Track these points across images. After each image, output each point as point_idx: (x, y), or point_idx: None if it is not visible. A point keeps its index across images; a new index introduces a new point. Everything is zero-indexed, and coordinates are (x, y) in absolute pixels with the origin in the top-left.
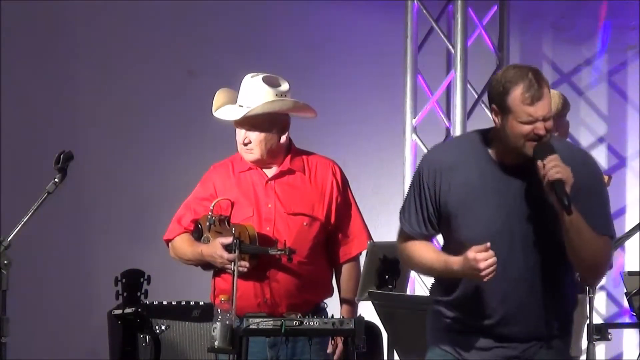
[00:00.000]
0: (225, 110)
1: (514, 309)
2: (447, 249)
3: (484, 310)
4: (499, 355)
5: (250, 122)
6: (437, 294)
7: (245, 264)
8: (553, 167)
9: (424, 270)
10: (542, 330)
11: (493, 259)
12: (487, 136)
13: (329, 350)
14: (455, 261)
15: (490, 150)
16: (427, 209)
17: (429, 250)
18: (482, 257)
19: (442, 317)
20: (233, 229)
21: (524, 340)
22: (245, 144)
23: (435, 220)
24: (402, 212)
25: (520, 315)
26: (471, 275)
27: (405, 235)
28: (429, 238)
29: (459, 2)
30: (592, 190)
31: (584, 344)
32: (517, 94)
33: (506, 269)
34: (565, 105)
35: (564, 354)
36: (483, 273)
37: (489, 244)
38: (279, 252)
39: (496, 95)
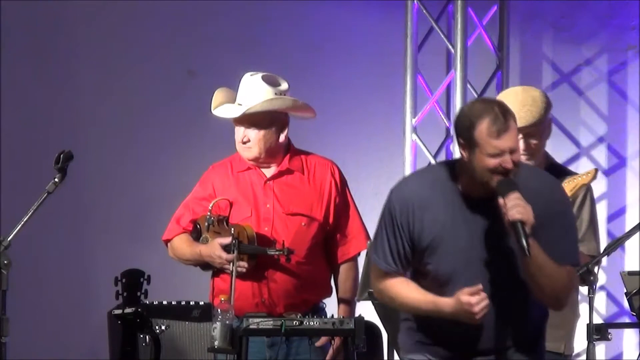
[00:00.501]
0: (224, 109)
1: (481, 329)
2: (417, 281)
3: (452, 330)
4: None
5: (250, 120)
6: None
7: (244, 264)
8: (514, 207)
9: (410, 310)
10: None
11: (486, 301)
12: (454, 169)
13: (319, 343)
14: (446, 303)
15: (457, 184)
16: (403, 246)
17: (412, 290)
18: (475, 300)
19: (413, 332)
20: (232, 229)
21: (489, 353)
22: (244, 142)
23: (410, 256)
24: (375, 250)
25: (486, 336)
26: (464, 317)
27: (381, 274)
28: (404, 274)
29: (459, 2)
30: (557, 220)
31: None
32: (483, 127)
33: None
34: (548, 105)
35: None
36: (477, 316)
37: (481, 286)
38: (277, 253)
39: (463, 130)
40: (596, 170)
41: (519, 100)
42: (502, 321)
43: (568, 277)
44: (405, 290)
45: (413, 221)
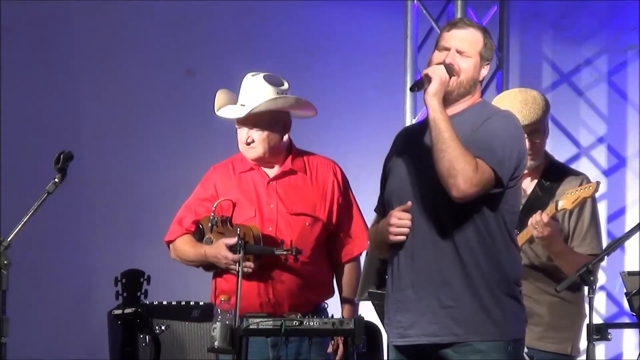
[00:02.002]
0: (227, 110)
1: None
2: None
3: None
4: None
5: (253, 120)
6: None
7: (250, 264)
8: (431, 68)
9: (373, 242)
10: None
11: (407, 222)
12: None
13: (330, 350)
14: (380, 222)
15: None
16: (381, 185)
17: (377, 225)
18: (397, 213)
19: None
20: (238, 229)
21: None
22: (248, 143)
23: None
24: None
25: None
26: (383, 234)
27: (374, 220)
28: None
29: (459, 2)
30: (484, 127)
31: (584, 344)
32: (445, 24)
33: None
34: (548, 105)
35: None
36: (391, 229)
37: (409, 203)
38: (285, 253)
39: None
40: (598, 183)
41: (520, 100)
42: (424, 254)
43: (472, 161)
44: (374, 227)
45: (390, 151)
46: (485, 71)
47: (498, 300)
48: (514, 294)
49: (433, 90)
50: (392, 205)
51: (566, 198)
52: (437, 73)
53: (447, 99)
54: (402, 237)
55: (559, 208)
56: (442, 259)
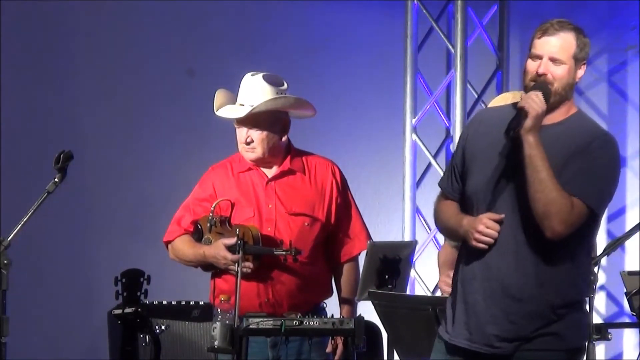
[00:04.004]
0: (227, 110)
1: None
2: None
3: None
4: None
5: (253, 120)
6: None
7: (250, 264)
8: (526, 98)
9: (443, 226)
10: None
11: (494, 233)
12: None
13: (329, 349)
14: (465, 218)
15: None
16: (455, 160)
17: (450, 208)
18: (487, 223)
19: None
20: (237, 229)
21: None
22: (248, 143)
23: (459, 171)
24: (444, 173)
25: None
26: (465, 234)
27: (439, 195)
28: (456, 198)
29: (459, 2)
30: (586, 160)
31: None
32: (535, 30)
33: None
34: None
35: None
36: (476, 235)
37: (503, 216)
38: (284, 253)
39: None
40: None
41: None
42: (512, 265)
43: (568, 203)
44: (445, 207)
45: (467, 133)
46: (581, 72)
47: (563, 317)
48: (581, 307)
49: (529, 126)
50: (474, 204)
51: None
52: (533, 107)
53: (548, 108)
54: (485, 246)
55: None
56: (518, 274)
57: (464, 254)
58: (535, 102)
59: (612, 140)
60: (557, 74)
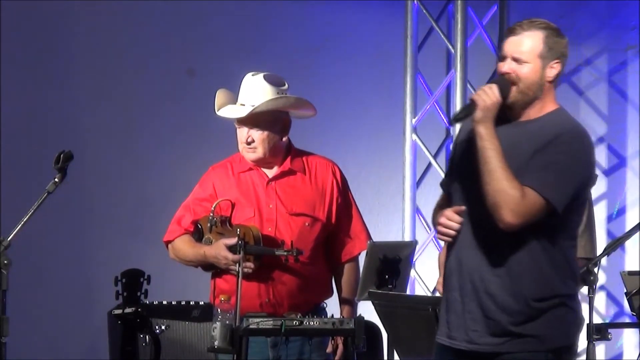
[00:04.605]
0: (228, 110)
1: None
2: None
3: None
4: None
5: (254, 120)
6: None
7: (250, 264)
8: (480, 90)
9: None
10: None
11: (454, 224)
12: None
13: (329, 350)
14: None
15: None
16: (450, 159)
17: (440, 204)
18: (448, 214)
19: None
20: (238, 230)
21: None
22: (249, 143)
23: (451, 170)
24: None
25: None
26: (434, 224)
27: (441, 196)
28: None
29: (459, 2)
30: (547, 153)
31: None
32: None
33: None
34: None
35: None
36: (437, 228)
37: (463, 207)
38: (285, 253)
39: None
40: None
41: None
42: (478, 259)
43: (518, 193)
44: (436, 205)
45: (458, 133)
46: (554, 71)
47: (543, 314)
48: (562, 302)
49: (478, 118)
50: (454, 199)
51: None
52: (483, 99)
53: (515, 109)
54: (447, 239)
55: None
56: (489, 269)
57: (447, 250)
58: (487, 94)
59: (581, 136)
60: (521, 73)
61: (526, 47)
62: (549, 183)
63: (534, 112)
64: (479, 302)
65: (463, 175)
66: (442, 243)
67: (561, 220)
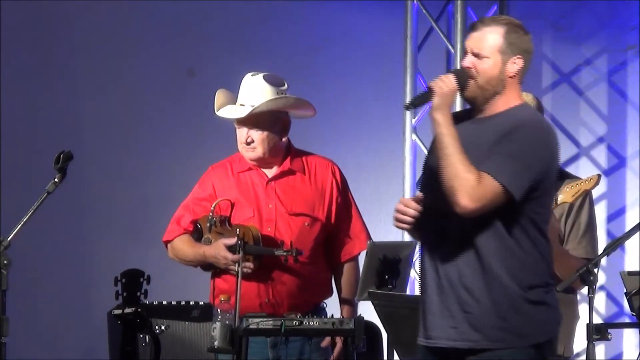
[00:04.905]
0: (227, 110)
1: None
2: None
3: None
4: None
5: (254, 120)
6: None
7: (250, 264)
8: (437, 79)
9: None
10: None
11: (410, 210)
12: None
13: (324, 344)
14: None
15: None
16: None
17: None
18: (404, 200)
19: None
20: (237, 229)
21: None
22: (248, 143)
23: None
24: None
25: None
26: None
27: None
28: None
29: (459, 2)
30: (504, 141)
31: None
32: None
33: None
34: (539, 110)
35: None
36: (394, 215)
37: (420, 194)
38: (285, 253)
39: None
40: (599, 176)
41: None
42: (443, 256)
43: (474, 177)
44: None
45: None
46: (515, 66)
47: (518, 306)
48: (537, 297)
49: (436, 105)
50: (424, 195)
51: (566, 192)
52: (440, 86)
53: (477, 103)
54: (404, 226)
55: (559, 202)
56: (463, 263)
57: (420, 251)
58: (444, 82)
59: (541, 127)
60: (480, 67)
61: (486, 42)
62: (505, 169)
63: (496, 108)
64: (456, 297)
65: (431, 170)
66: None
67: (527, 211)
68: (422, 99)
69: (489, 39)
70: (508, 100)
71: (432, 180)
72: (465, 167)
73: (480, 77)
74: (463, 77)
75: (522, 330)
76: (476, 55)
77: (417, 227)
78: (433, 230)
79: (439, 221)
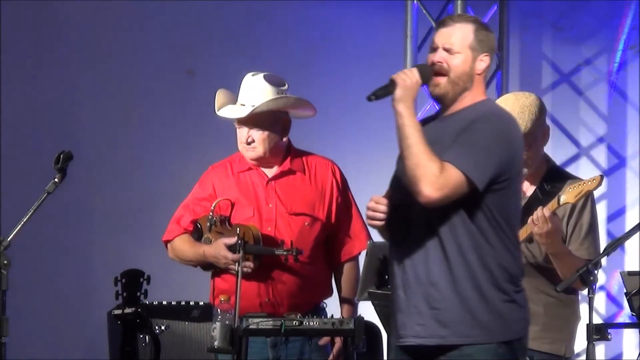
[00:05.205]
0: (228, 110)
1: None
2: None
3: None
4: None
5: (254, 120)
6: None
7: (250, 264)
8: (401, 72)
9: None
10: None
11: (380, 207)
12: None
13: (322, 342)
14: None
15: None
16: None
17: None
18: (375, 197)
19: None
20: (237, 229)
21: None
22: (249, 143)
23: None
24: None
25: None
26: None
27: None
28: None
29: (459, 2)
30: (466, 132)
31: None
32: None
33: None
34: (539, 113)
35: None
36: (366, 213)
37: (390, 192)
38: (285, 253)
39: None
40: (602, 176)
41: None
42: (410, 257)
43: (436, 166)
44: None
45: None
46: (483, 64)
47: (486, 301)
48: (506, 294)
49: (398, 97)
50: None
51: (568, 192)
52: (403, 78)
53: (446, 100)
54: (377, 223)
55: (561, 202)
56: (429, 259)
57: (389, 252)
58: (407, 75)
59: (502, 119)
60: (452, 63)
61: (457, 38)
62: (467, 158)
63: (463, 104)
64: (423, 294)
65: (399, 165)
66: None
67: (492, 205)
68: (384, 90)
69: (460, 35)
70: (474, 97)
71: (400, 174)
72: (427, 156)
73: (452, 73)
74: (427, 71)
75: (490, 325)
76: (447, 50)
77: (387, 225)
78: (400, 226)
79: (405, 215)
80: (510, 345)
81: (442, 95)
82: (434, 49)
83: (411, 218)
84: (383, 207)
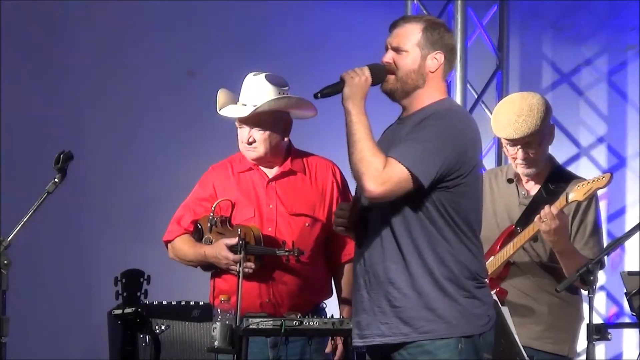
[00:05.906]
0: (230, 109)
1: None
2: None
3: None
4: None
5: (255, 120)
6: None
7: (251, 264)
8: (351, 70)
9: None
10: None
11: (343, 212)
12: None
13: (328, 349)
14: None
15: None
16: None
17: None
18: (340, 205)
19: None
20: (239, 230)
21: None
22: (250, 143)
23: None
24: None
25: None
26: None
27: None
28: None
29: (459, 2)
30: (413, 130)
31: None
32: None
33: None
34: (547, 113)
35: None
36: (333, 219)
37: (348, 204)
38: (287, 253)
39: None
40: (611, 175)
41: (515, 111)
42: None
43: (380, 161)
44: None
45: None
46: (436, 62)
47: (445, 296)
48: (466, 290)
49: (345, 94)
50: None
51: (577, 190)
52: (352, 76)
53: (395, 96)
54: (339, 228)
55: (569, 200)
56: (386, 257)
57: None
58: (356, 73)
59: (455, 116)
60: (400, 62)
61: (405, 37)
62: (411, 154)
63: (418, 104)
64: (384, 292)
65: None
66: None
67: (446, 202)
68: (332, 88)
69: (408, 34)
70: (430, 96)
71: None
72: (372, 152)
73: (399, 71)
74: (379, 71)
75: (451, 320)
76: (395, 49)
77: (354, 227)
78: (360, 226)
79: (364, 216)
80: (471, 340)
81: (391, 92)
82: (386, 49)
83: (369, 218)
84: (345, 212)
